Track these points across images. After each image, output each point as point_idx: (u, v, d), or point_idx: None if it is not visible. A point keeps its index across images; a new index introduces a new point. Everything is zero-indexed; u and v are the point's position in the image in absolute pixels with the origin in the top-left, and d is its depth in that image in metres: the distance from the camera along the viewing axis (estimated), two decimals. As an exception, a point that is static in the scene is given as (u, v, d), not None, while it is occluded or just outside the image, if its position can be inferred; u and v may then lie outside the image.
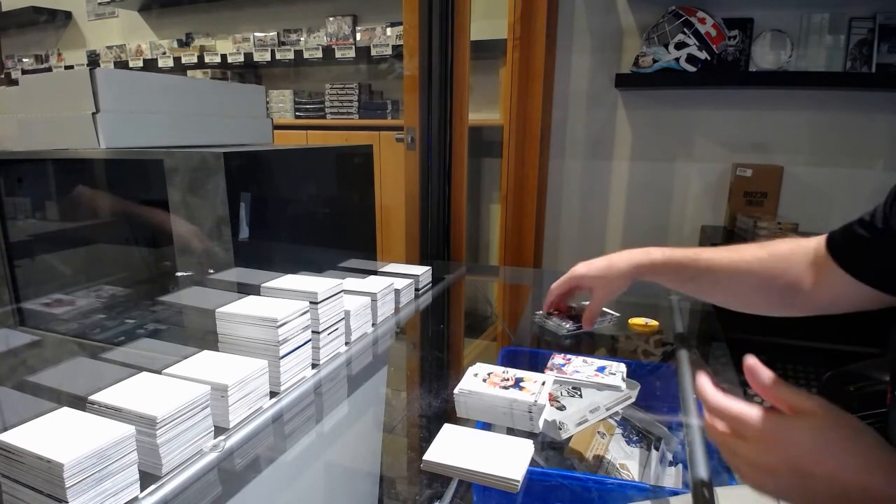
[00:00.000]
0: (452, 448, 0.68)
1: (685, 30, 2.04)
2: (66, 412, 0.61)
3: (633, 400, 0.92)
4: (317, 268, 1.20)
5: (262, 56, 3.15)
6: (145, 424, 0.62)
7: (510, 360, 1.06)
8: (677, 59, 2.07)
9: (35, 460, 0.53)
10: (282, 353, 0.82)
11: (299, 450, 0.80)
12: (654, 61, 2.10)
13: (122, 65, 3.67)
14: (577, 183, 2.54)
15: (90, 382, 0.81)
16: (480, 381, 0.81)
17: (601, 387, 0.90)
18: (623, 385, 0.90)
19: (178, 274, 1.03)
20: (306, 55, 3.04)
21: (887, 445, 0.47)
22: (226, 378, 0.72)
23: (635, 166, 2.43)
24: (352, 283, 1.17)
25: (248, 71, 3.40)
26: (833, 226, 0.77)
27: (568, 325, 1.11)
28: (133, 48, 3.67)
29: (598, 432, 0.92)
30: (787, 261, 0.80)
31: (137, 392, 0.67)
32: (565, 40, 2.40)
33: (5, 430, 0.56)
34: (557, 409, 0.87)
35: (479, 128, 2.60)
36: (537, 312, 1.12)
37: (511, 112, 2.16)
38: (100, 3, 3.68)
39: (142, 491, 0.60)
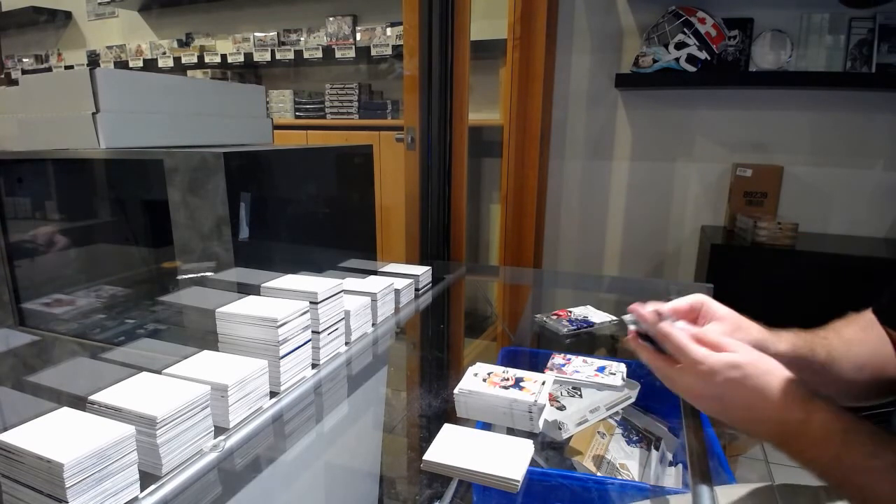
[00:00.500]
0: (452, 448, 0.68)
1: (685, 30, 2.04)
2: (66, 412, 0.60)
3: (633, 400, 0.92)
4: (317, 268, 1.20)
5: (262, 56, 3.15)
6: (145, 424, 0.62)
7: (510, 360, 1.06)
8: (677, 59, 2.07)
9: (35, 460, 0.53)
10: (282, 353, 0.82)
11: (299, 450, 0.80)
12: (654, 61, 2.10)
13: (122, 65, 3.67)
14: (577, 183, 2.54)
15: (90, 382, 0.81)
16: (480, 381, 0.81)
17: (601, 387, 0.90)
18: (623, 385, 0.90)
19: (179, 277, 1.03)
20: (306, 55, 3.04)
21: (801, 382, 0.55)
22: (226, 378, 0.72)
23: (635, 166, 2.43)
24: (352, 283, 1.16)
25: (248, 71, 3.40)
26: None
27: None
28: (133, 48, 3.67)
29: (598, 432, 0.92)
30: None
31: (137, 392, 0.67)
32: (565, 40, 2.40)
33: (5, 430, 0.56)
34: (557, 409, 0.87)
35: (479, 128, 2.59)
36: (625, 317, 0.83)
37: (511, 112, 2.16)
38: (100, 3, 3.68)
39: (142, 491, 0.60)
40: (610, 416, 0.93)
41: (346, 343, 1.02)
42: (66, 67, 3.95)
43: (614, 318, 1.28)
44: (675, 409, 0.92)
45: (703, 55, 2.05)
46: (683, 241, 2.43)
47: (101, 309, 1.25)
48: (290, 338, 0.84)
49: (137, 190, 1.27)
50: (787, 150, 2.20)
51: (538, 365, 0.97)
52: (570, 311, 1.31)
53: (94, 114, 1.06)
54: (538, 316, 1.31)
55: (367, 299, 1.09)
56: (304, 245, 1.24)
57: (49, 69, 3.99)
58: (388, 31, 2.91)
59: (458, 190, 1.79)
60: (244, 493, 0.68)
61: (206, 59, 3.35)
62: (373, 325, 1.12)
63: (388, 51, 2.85)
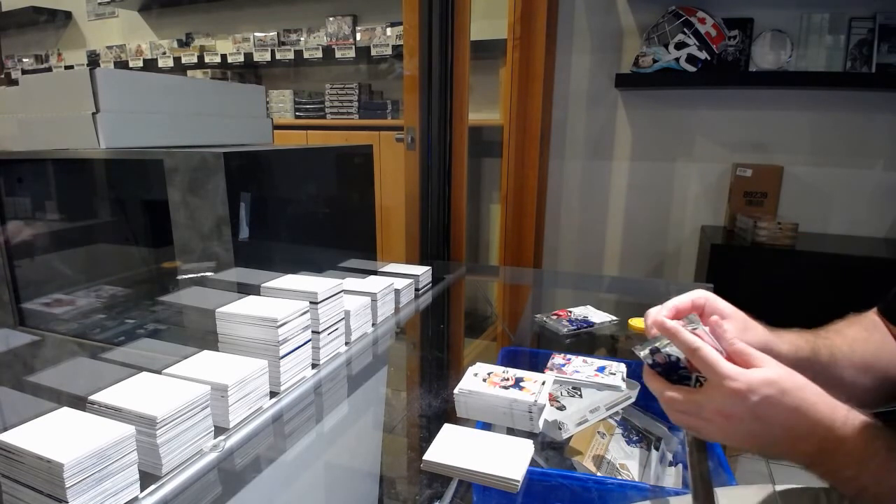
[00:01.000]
0: (452, 448, 0.68)
1: (685, 30, 2.04)
2: (66, 412, 0.61)
3: (633, 400, 0.92)
4: (317, 268, 1.20)
5: (262, 56, 3.15)
6: (145, 424, 0.62)
7: (510, 360, 1.06)
8: (677, 59, 2.07)
9: (35, 460, 0.53)
10: (282, 353, 0.82)
11: (299, 450, 0.80)
12: (654, 61, 2.10)
13: (122, 65, 3.67)
14: (577, 183, 2.54)
15: (90, 382, 0.81)
16: (480, 380, 0.81)
17: (601, 387, 0.90)
18: (623, 385, 0.90)
19: (179, 277, 1.03)
20: (306, 55, 3.04)
21: (835, 398, 0.52)
22: (226, 378, 0.72)
23: (635, 166, 2.43)
24: (352, 283, 1.17)
25: (248, 71, 3.40)
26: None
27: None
28: (133, 48, 3.67)
29: (598, 432, 0.92)
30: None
31: (137, 392, 0.67)
32: (565, 40, 2.40)
33: (5, 430, 0.56)
34: (557, 409, 0.87)
35: (479, 128, 2.59)
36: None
37: (511, 112, 2.16)
38: (100, 3, 3.68)
39: (142, 491, 0.60)
40: (610, 416, 0.93)
41: (346, 343, 1.02)
42: (66, 67, 3.94)
43: (614, 318, 1.28)
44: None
45: (703, 55, 2.04)
46: (683, 241, 2.43)
47: (101, 309, 1.25)
48: (290, 338, 0.84)
49: (137, 190, 1.27)
50: (787, 150, 2.20)
51: (538, 365, 0.97)
52: (570, 311, 1.31)
53: (94, 114, 1.06)
54: (538, 316, 1.31)
55: (367, 299, 1.09)
56: (304, 245, 1.24)
57: (49, 69, 3.99)
58: (388, 31, 2.91)
59: (458, 190, 1.79)
60: (244, 493, 0.68)
61: (206, 59, 3.35)
62: (373, 325, 1.12)
63: (388, 51, 2.85)
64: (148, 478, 0.62)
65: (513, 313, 1.60)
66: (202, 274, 1.01)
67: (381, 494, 0.82)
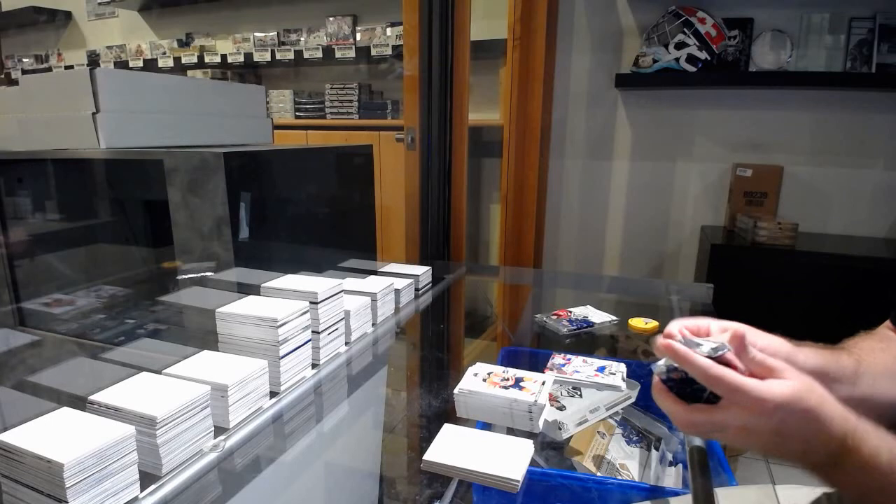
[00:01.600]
0: (452, 448, 0.68)
1: (685, 30, 2.04)
2: (66, 412, 0.61)
3: (633, 400, 0.92)
4: (317, 268, 1.20)
5: (262, 56, 3.15)
6: (145, 424, 0.62)
7: (510, 360, 1.06)
8: (677, 59, 2.07)
9: (35, 460, 0.53)
10: (282, 353, 0.82)
11: (299, 450, 0.80)
12: (654, 61, 2.10)
13: (122, 65, 3.67)
14: (577, 183, 2.54)
15: (90, 382, 0.81)
16: (480, 380, 0.81)
17: (601, 387, 0.90)
18: (623, 385, 0.90)
19: (179, 277, 1.03)
20: (306, 55, 3.04)
21: (850, 409, 0.53)
22: (226, 378, 0.72)
23: (635, 166, 2.43)
24: (352, 283, 1.16)
25: (248, 71, 3.40)
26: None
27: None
28: (133, 48, 3.67)
29: (598, 432, 0.92)
30: None
31: (137, 392, 0.67)
32: (565, 40, 2.40)
33: (5, 430, 0.56)
34: (557, 409, 0.87)
35: (479, 128, 2.59)
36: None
37: (511, 112, 2.16)
38: (100, 3, 3.68)
39: (142, 491, 0.60)
40: (610, 416, 0.93)
41: (346, 343, 1.02)
42: (66, 67, 3.94)
43: (614, 318, 1.28)
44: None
45: (703, 55, 2.05)
46: (683, 241, 2.43)
47: (101, 309, 1.25)
48: (290, 338, 0.84)
49: (137, 190, 1.27)
50: (787, 150, 2.20)
51: (538, 365, 0.97)
52: (570, 311, 1.31)
53: (94, 114, 1.06)
54: (538, 316, 1.31)
55: (367, 299, 1.09)
56: (304, 245, 1.24)
57: (49, 69, 3.99)
58: (388, 31, 2.91)
59: (458, 190, 1.79)
60: (244, 493, 0.68)
61: (206, 59, 3.35)
62: (373, 325, 1.12)
63: (388, 51, 2.85)
64: (148, 478, 0.62)
65: (513, 313, 1.60)
66: (202, 274, 1.01)
67: (381, 494, 0.82)
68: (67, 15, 3.94)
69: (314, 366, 0.92)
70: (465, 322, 1.50)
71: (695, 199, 2.38)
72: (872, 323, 0.76)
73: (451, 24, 1.66)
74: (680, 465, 0.93)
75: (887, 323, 0.75)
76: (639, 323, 1.22)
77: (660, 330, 1.20)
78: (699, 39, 2.03)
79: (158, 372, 0.74)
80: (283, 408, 0.82)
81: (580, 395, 0.90)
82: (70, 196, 1.31)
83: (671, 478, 0.90)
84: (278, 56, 3.13)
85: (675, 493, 0.71)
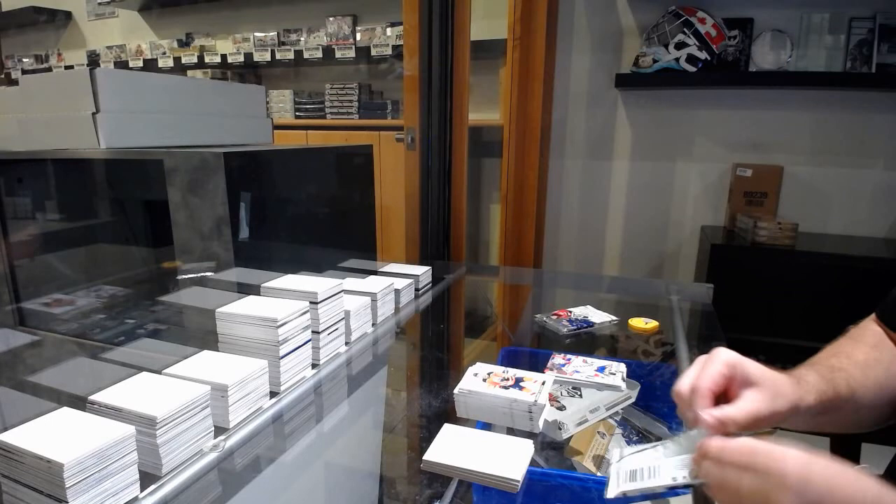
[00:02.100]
0: (452, 448, 0.68)
1: (685, 30, 2.04)
2: (66, 412, 0.60)
3: (633, 400, 0.92)
4: (317, 268, 1.20)
5: (262, 56, 3.16)
6: (145, 424, 0.62)
7: (510, 360, 1.06)
8: (677, 59, 2.07)
9: (35, 460, 0.53)
10: (282, 353, 0.82)
11: (299, 450, 0.80)
12: (654, 61, 2.10)
13: (122, 65, 3.67)
14: (577, 183, 2.54)
15: (90, 382, 0.82)
16: (480, 380, 0.81)
17: (601, 387, 0.90)
18: (623, 385, 0.90)
19: (179, 277, 1.03)
20: (306, 55, 3.04)
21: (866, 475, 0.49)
22: (226, 378, 0.72)
23: (635, 166, 2.43)
24: (352, 283, 1.16)
25: (248, 71, 3.40)
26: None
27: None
28: (133, 48, 3.67)
29: (598, 432, 0.92)
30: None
31: (137, 392, 0.67)
32: (565, 40, 2.40)
33: (5, 430, 0.56)
34: (557, 409, 0.87)
35: (479, 128, 2.59)
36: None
37: (511, 112, 2.16)
38: (100, 3, 3.68)
39: (142, 491, 0.60)
40: (610, 416, 0.93)
41: (346, 343, 1.02)
42: (66, 67, 3.95)
43: (614, 318, 1.28)
44: (675, 409, 0.92)
45: (703, 55, 2.05)
46: (683, 241, 2.43)
47: (101, 309, 1.25)
48: (290, 338, 0.84)
49: (137, 190, 1.27)
50: (787, 150, 2.20)
51: (538, 365, 0.97)
52: (570, 311, 1.31)
53: (94, 114, 1.06)
54: (538, 316, 1.31)
55: (367, 299, 1.09)
56: (304, 245, 1.24)
57: (49, 69, 3.99)
58: (388, 31, 2.91)
59: (458, 190, 1.79)
60: (244, 493, 0.68)
61: (206, 59, 3.35)
62: (373, 325, 1.12)
63: (388, 51, 2.85)
64: (148, 478, 0.62)
65: (513, 313, 1.60)
66: (202, 274, 1.01)
67: (381, 494, 0.82)
68: (67, 15, 3.94)
69: (314, 366, 0.92)
70: (465, 322, 1.50)
71: (695, 199, 2.38)
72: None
73: (451, 24, 1.66)
74: (680, 465, 0.93)
75: (873, 317, 0.74)
76: (639, 323, 1.22)
77: (660, 330, 1.20)
78: (699, 39, 2.03)
79: (158, 372, 0.74)
80: (283, 408, 0.82)
81: (580, 395, 0.90)
82: (70, 196, 1.31)
83: (671, 478, 0.90)
84: (278, 56, 3.13)
85: (675, 493, 0.71)
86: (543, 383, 0.80)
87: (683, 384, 0.60)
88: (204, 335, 0.91)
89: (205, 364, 0.77)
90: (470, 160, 1.85)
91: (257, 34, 3.25)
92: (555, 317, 1.28)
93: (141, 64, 3.59)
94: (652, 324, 1.21)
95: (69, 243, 1.33)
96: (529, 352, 1.12)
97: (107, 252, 1.35)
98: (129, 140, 1.12)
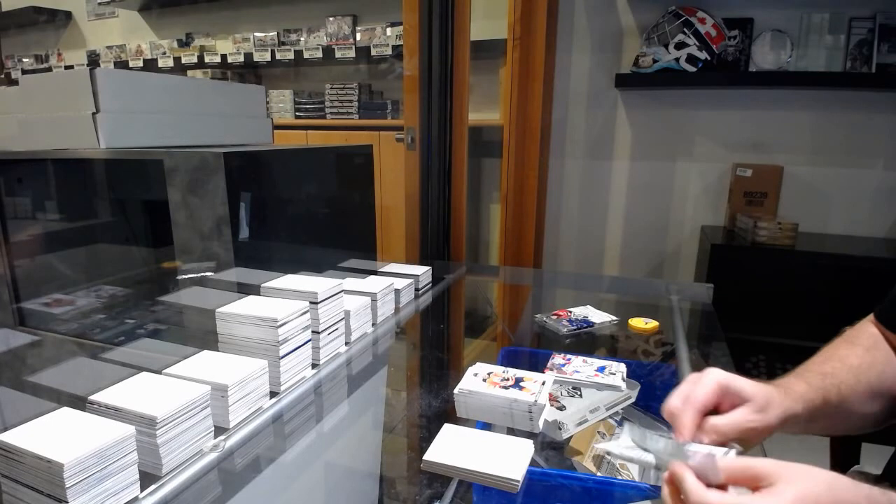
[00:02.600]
0: (452, 448, 0.68)
1: (685, 30, 2.04)
2: (66, 412, 0.60)
3: (633, 400, 0.92)
4: (317, 268, 1.20)
5: (262, 56, 3.16)
6: (145, 424, 0.62)
7: (510, 360, 1.06)
8: (677, 59, 2.07)
9: (35, 460, 0.53)
10: (282, 353, 0.82)
11: (299, 450, 0.80)
12: (654, 61, 2.10)
13: (122, 65, 3.67)
14: (577, 183, 2.54)
15: (90, 382, 0.81)
16: (480, 380, 0.81)
17: (601, 387, 0.90)
18: (623, 385, 0.90)
19: (179, 277, 1.03)
20: (306, 55, 3.04)
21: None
22: (226, 378, 0.72)
23: (635, 166, 2.43)
24: (352, 283, 1.16)
25: (248, 71, 3.40)
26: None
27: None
28: (133, 48, 3.67)
29: (598, 432, 0.92)
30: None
31: (137, 392, 0.67)
32: (565, 40, 2.40)
33: (5, 430, 0.56)
34: (557, 409, 0.87)
35: (479, 128, 2.59)
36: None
37: (511, 112, 2.16)
38: (100, 3, 3.68)
39: (142, 491, 0.60)
40: (610, 416, 0.93)
41: (346, 343, 1.02)
42: (66, 67, 3.95)
43: (614, 318, 1.28)
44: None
45: (703, 55, 2.05)
46: (683, 241, 2.43)
47: (101, 309, 1.25)
48: (290, 338, 0.84)
49: (137, 190, 1.27)
50: (787, 150, 2.20)
51: (538, 365, 0.97)
52: (570, 311, 1.31)
53: (94, 114, 1.06)
54: (538, 316, 1.31)
55: (367, 299, 1.09)
56: (304, 245, 1.24)
57: (49, 69, 3.99)
58: (388, 31, 2.91)
59: (458, 190, 1.79)
60: (244, 493, 0.68)
61: (206, 59, 3.35)
62: (373, 325, 1.12)
63: (388, 51, 2.85)
64: (148, 478, 0.62)
65: (513, 313, 1.60)
66: (202, 274, 1.01)
67: (381, 494, 0.82)
68: (67, 15, 3.94)
69: (314, 366, 0.92)
70: (465, 322, 1.50)
71: (695, 199, 2.38)
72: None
73: (451, 24, 1.66)
74: (680, 465, 0.93)
75: (871, 318, 0.74)
76: (639, 323, 1.22)
77: (660, 330, 1.20)
78: (699, 39, 2.03)
79: (158, 372, 0.74)
80: (283, 408, 0.82)
81: (580, 395, 0.90)
82: (70, 196, 1.31)
83: (671, 478, 0.90)
84: (278, 56, 3.13)
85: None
86: (543, 383, 0.80)
87: (674, 400, 0.60)
88: (204, 335, 0.91)
89: (205, 364, 0.77)
90: (470, 160, 1.85)
91: (257, 34, 3.25)
92: (555, 317, 1.28)
93: (141, 64, 3.59)
94: (652, 324, 1.21)
95: (69, 243, 1.33)
96: (529, 352, 1.12)
97: (107, 252, 1.35)
98: (129, 140, 1.12)
